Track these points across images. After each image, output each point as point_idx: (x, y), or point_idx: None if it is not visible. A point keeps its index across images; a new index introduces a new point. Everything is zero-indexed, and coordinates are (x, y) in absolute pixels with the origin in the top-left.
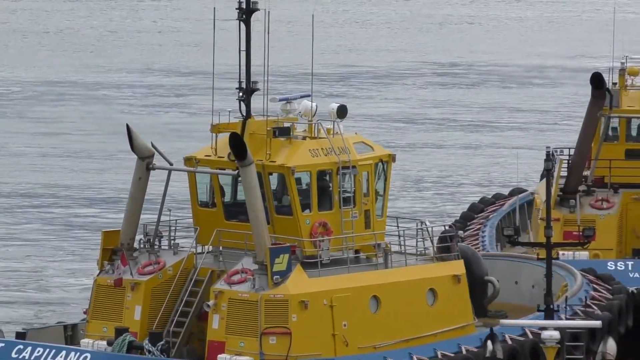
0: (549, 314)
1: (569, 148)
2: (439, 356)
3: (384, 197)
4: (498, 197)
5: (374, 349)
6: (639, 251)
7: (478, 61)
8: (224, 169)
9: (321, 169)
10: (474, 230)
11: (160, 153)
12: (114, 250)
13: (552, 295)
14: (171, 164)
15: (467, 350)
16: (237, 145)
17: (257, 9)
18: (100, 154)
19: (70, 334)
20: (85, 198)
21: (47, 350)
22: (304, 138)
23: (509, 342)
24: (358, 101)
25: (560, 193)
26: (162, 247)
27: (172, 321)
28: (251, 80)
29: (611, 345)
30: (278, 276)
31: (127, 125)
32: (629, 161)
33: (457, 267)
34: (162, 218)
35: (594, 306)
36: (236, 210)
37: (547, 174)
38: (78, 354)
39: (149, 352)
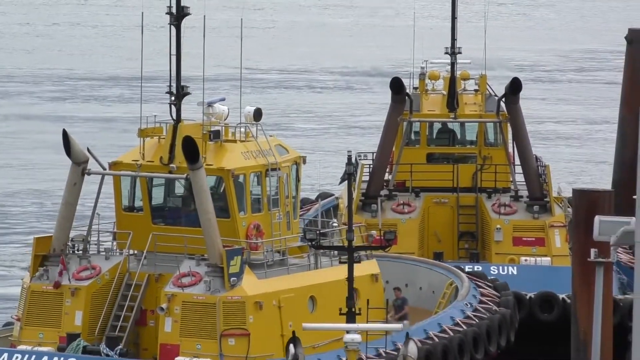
0: (351, 317)
1: (372, 153)
2: (383, 354)
3: (296, 199)
4: (305, 202)
5: (314, 348)
6: (440, 254)
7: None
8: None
9: (253, 171)
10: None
11: (95, 158)
12: (46, 256)
13: (353, 299)
14: (105, 169)
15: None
16: (191, 148)
17: (188, 14)
18: None
19: None
20: None
21: (28, 356)
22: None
23: None
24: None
25: (363, 198)
26: (91, 252)
27: (116, 326)
28: (182, 84)
29: (412, 348)
30: (235, 278)
31: (64, 131)
32: (430, 165)
33: (374, 266)
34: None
35: (490, 302)
36: (160, 214)
37: (349, 177)
38: (63, 358)
39: (107, 355)
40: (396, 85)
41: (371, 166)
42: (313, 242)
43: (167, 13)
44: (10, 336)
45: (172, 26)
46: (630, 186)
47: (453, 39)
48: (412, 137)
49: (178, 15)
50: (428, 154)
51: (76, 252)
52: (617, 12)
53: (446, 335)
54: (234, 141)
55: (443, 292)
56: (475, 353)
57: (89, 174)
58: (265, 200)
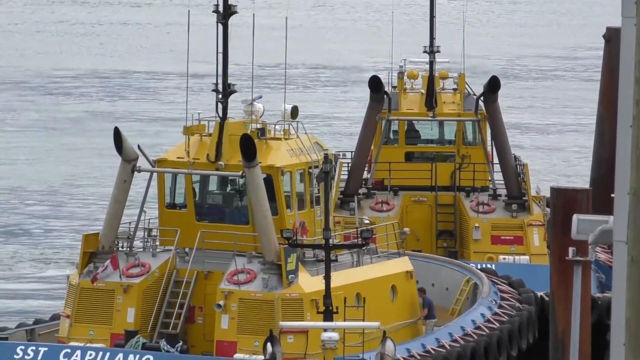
0: (328, 316)
1: (351, 151)
2: (432, 352)
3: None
4: None
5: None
6: (418, 252)
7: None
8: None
9: (298, 169)
10: None
11: (145, 156)
12: (94, 253)
13: (330, 298)
14: (154, 166)
15: (450, 346)
16: (248, 146)
17: (236, 12)
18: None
19: (30, 339)
20: None
21: (97, 352)
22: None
23: None
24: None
25: (341, 196)
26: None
27: (167, 324)
28: (228, 82)
29: (389, 346)
30: (292, 275)
31: (116, 129)
32: (409, 164)
33: (407, 263)
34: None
35: (512, 299)
36: (200, 211)
37: (325, 176)
38: (138, 355)
39: (168, 352)
40: (375, 84)
41: (350, 164)
42: (290, 241)
43: (213, 11)
44: (56, 332)
45: (218, 24)
46: (608, 184)
47: (432, 38)
48: (391, 135)
49: (225, 14)
50: (406, 153)
51: (120, 249)
52: (596, 11)
53: (483, 332)
54: (279, 139)
55: (460, 289)
56: (510, 350)
57: (139, 171)
58: (308, 198)
